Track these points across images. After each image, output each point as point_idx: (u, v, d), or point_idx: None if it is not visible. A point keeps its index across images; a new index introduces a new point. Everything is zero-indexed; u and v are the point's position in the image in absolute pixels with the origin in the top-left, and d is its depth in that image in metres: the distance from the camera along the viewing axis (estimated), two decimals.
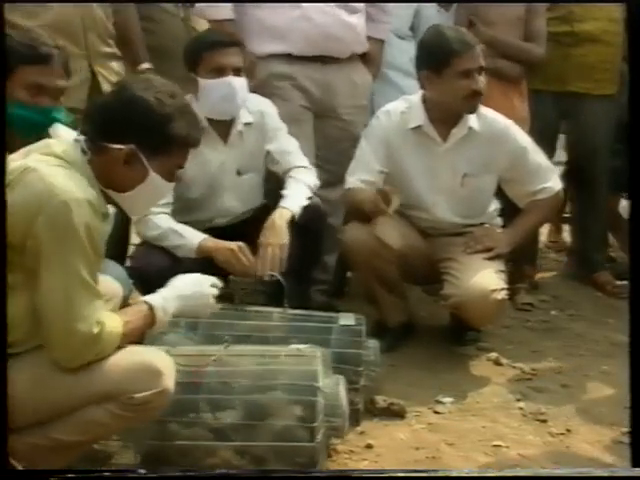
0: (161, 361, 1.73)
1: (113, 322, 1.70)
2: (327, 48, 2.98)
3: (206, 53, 2.62)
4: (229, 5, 2.93)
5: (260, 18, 2.94)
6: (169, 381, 1.72)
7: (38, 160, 1.67)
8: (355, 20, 3.02)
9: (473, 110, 2.73)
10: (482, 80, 2.68)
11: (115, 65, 2.85)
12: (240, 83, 2.66)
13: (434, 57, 2.67)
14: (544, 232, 4.27)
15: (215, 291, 1.93)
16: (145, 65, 2.93)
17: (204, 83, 2.64)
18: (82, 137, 1.74)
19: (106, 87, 2.65)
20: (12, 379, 1.53)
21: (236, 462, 1.89)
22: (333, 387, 2.04)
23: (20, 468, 1.60)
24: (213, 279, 1.95)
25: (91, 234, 1.63)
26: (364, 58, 3.14)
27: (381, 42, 3.20)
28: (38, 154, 1.69)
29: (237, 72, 2.65)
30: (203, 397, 1.93)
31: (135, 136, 1.70)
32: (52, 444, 1.69)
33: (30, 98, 2.03)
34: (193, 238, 2.55)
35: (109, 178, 1.73)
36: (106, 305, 1.96)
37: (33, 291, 1.62)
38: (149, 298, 1.82)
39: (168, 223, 2.57)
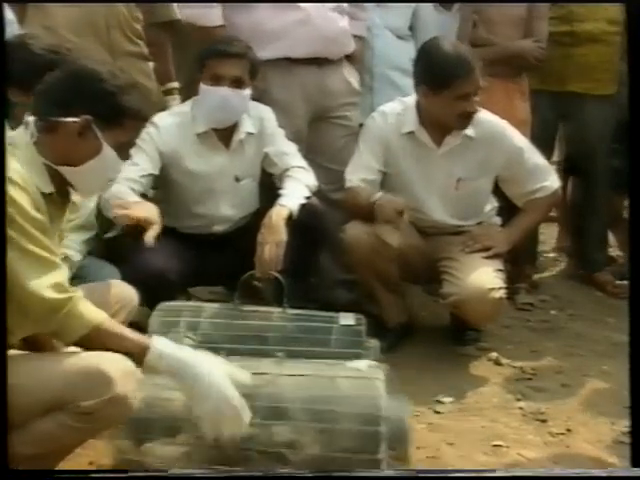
0: (113, 366, 1.59)
1: (90, 310, 1.65)
2: (325, 50, 2.98)
3: (209, 60, 2.63)
4: (219, 11, 2.89)
5: (255, 23, 2.89)
6: (120, 387, 1.58)
7: None
8: (345, 22, 3.05)
9: (464, 128, 2.75)
10: (477, 100, 2.69)
11: (142, 64, 2.84)
12: (237, 95, 2.64)
13: (434, 77, 2.66)
14: (554, 235, 4.26)
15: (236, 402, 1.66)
16: (172, 84, 2.93)
17: (201, 88, 2.66)
18: (30, 119, 1.72)
19: None
20: None
21: None
22: (397, 411, 1.86)
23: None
24: (230, 370, 1.71)
25: (22, 209, 1.58)
26: (348, 57, 3.15)
27: (362, 39, 3.22)
28: None
29: (237, 83, 2.63)
30: (257, 422, 1.76)
31: (88, 107, 1.69)
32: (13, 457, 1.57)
33: None
34: (127, 196, 2.43)
35: (62, 153, 1.70)
36: (120, 311, 1.94)
37: None
38: (156, 338, 1.70)
39: (116, 188, 2.39)
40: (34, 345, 1.76)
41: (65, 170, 1.72)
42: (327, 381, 1.86)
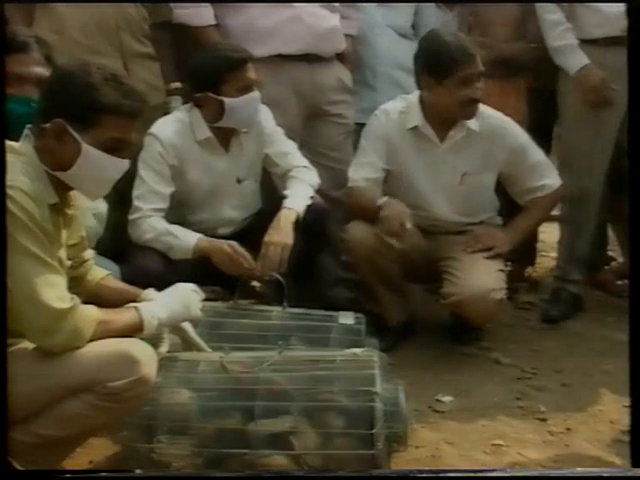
0: (138, 349, 1.71)
1: (88, 308, 1.72)
2: (316, 47, 3.00)
3: (235, 72, 2.56)
4: (210, 11, 2.90)
5: (246, 21, 2.90)
6: (146, 369, 1.70)
7: None
8: (336, 20, 3.06)
9: (470, 117, 2.75)
10: (480, 87, 2.68)
11: (151, 64, 2.83)
12: (259, 96, 2.66)
13: (435, 65, 2.66)
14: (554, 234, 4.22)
15: (197, 295, 1.99)
16: (174, 84, 2.93)
17: (231, 102, 2.58)
18: (31, 125, 1.75)
19: (141, 86, 2.43)
20: None
21: (293, 469, 1.84)
22: (392, 392, 1.97)
23: (18, 466, 1.59)
24: (192, 286, 1.99)
25: (33, 218, 1.63)
26: (339, 55, 3.17)
27: (352, 38, 3.23)
28: None
29: (255, 83, 2.64)
30: (259, 404, 1.88)
31: (62, 109, 1.69)
32: (38, 441, 1.68)
33: (11, 89, 2.00)
34: (189, 238, 2.53)
35: (51, 159, 1.73)
36: None
37: None
38: (135, 303, 1.85)
39: (163, 224, 2.55)
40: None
41: (61, 175, 1.74)
42: (326, 364, 1.96)
